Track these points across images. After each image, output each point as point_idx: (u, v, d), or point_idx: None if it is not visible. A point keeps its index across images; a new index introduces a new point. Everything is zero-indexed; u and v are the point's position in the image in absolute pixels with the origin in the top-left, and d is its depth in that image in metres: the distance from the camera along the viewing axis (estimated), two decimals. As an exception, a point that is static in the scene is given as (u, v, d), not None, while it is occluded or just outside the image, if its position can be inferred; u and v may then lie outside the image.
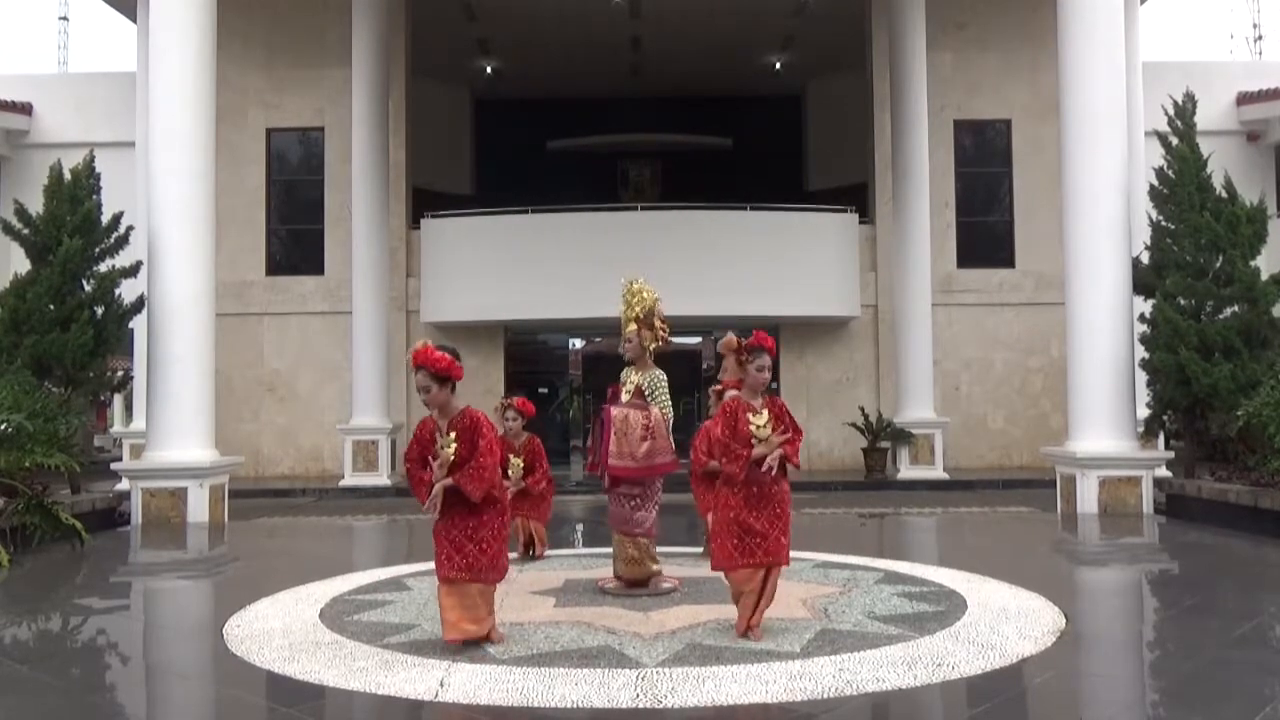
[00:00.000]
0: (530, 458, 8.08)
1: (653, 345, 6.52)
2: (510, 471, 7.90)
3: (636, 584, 6.39)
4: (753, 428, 5.22)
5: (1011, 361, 17.92)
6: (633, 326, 6.50)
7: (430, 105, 19.71)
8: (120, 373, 13.80)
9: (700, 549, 8.00)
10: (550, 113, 21.77)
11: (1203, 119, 12.81)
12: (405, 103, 17.96)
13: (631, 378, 6.53)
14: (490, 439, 5.08)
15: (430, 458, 5.10)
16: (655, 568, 6.47)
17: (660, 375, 6.53)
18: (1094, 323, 11.07)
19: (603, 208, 17.91)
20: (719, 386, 7.74)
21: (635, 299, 6.53)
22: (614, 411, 6.39)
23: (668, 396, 6.52)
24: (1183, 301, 11.48)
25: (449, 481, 4.99)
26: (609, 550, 6.68)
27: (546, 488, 8.21)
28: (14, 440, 9.17)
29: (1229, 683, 4.61)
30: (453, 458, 5.03)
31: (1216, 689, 4.54)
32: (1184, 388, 11.22)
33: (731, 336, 5.37)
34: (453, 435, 5.07)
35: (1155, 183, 12.22)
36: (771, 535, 5.20)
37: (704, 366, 19.09)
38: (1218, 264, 11.45)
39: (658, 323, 6.51)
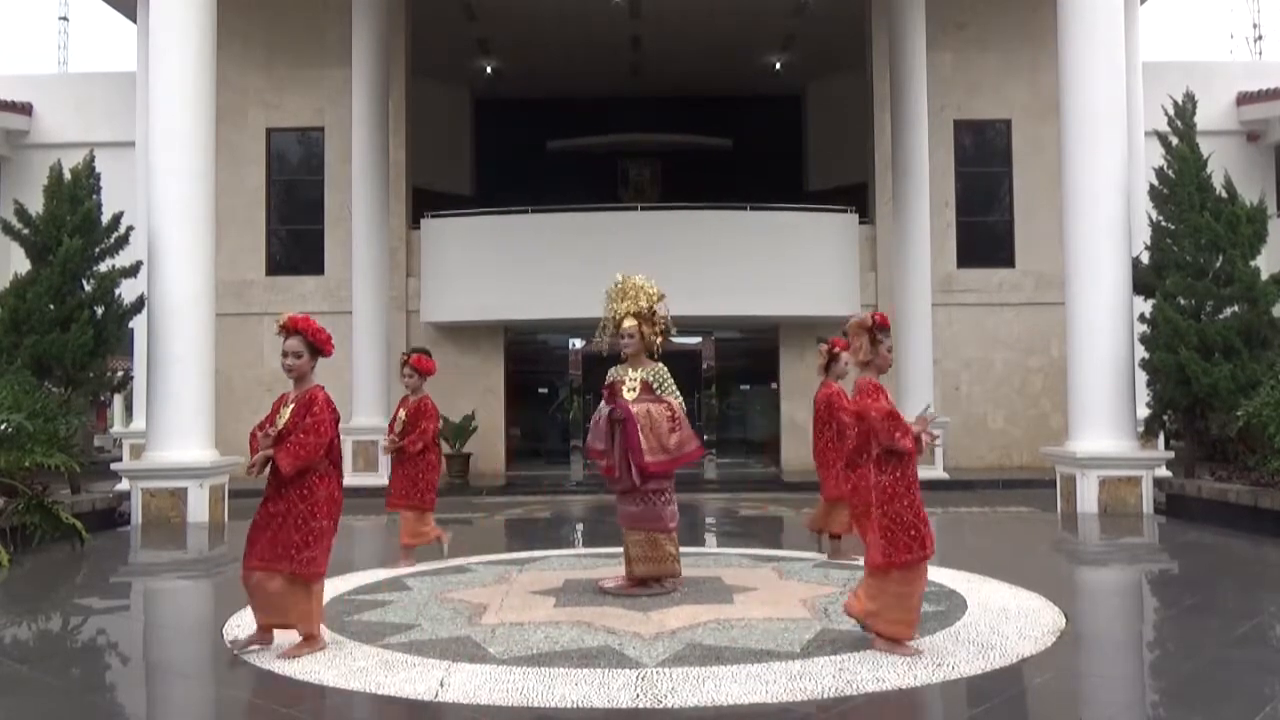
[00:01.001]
0: (415, 415, 7.80)
1: (659, 340, 6.49)
2: (396, 425, 7.87)
3: (644, 583, 6.38)
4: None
5: (1011, 361, 17.91)
6: (632, 322, 6.43)
7: (430, 105, 19.71)
8: (120, 373, 13.80)
9: (821, 553, 7.90)
10: (550, 113, 21.77)
11: (1203, 119, 12.80)
12: (405, 103, 17.96)
13: (631, 374, 6.45)
14: (320, 419, 5.03)
15: (263, 425, 5.13)
16: (678, 565, 6.48)
17: (664, 368, 6.51)
18: (1094, 323, 11.06)
19: (603, 208, 17.90)
20: (832, 347, 7.65)
21: (638, 293, 6.48)
22: (634, 409, 6.26)
23: (675, 387, 6.51)
24: (1183, 301, 11.48)
25: (270, 450, 4.98)
26: (608, 550, 6.68)
27: (426, 456, 7.79)
28: (14, 440, 9.17)
29: (1229, 683, 4.61)
30: (280, 428, 5.04)
31: (1216, 689, 4.54)
32: (1184, 388, 11.22)
33: (865, 314, 5.15)
34: (291, 408, 5.11)
35: (1155, 183, 12.22)
36: (929, 522, 4.99)
37: (704, 366, 19.09)
38: (1218, 264, 11.45)
39: (659, 315, 6.47)
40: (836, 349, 7.68)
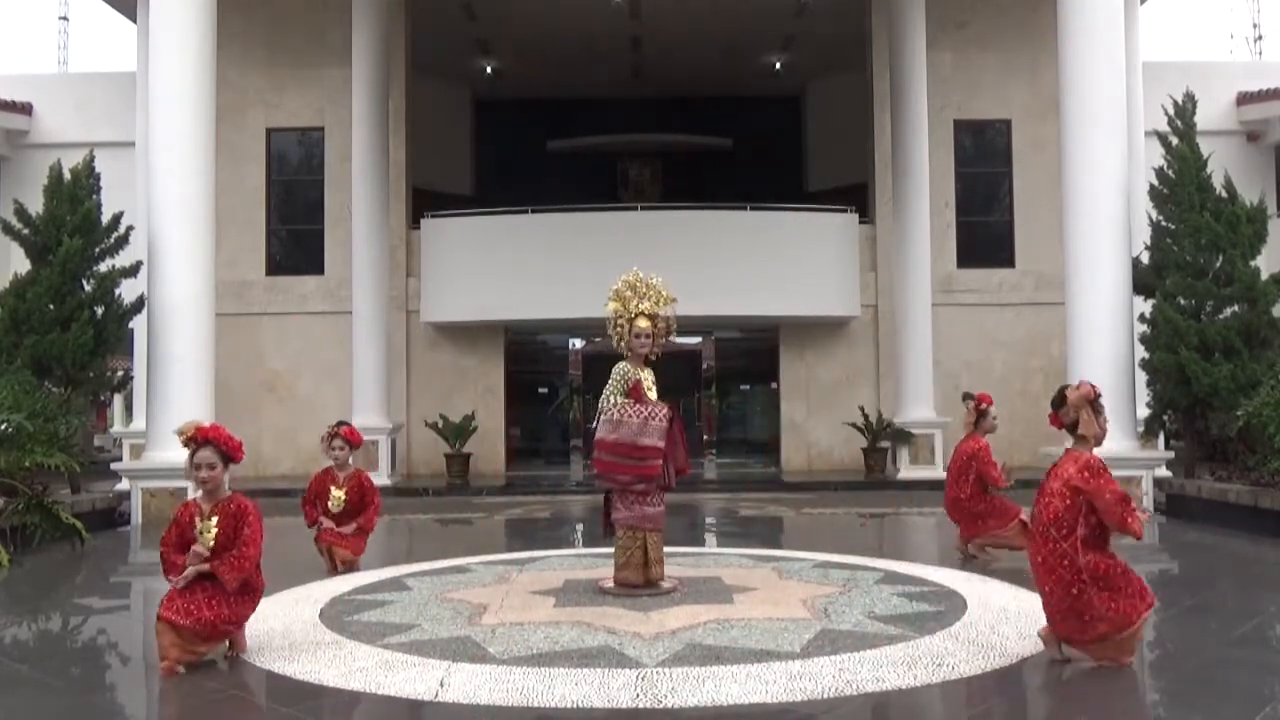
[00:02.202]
0: (358, 494, 7.67)
1: (664, 341, 6.53)
2: (331, 504, 7.64)
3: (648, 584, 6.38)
4: None
5: (1011, 361, 17.90)
6: (647, 322, 6.38)
7: (430, 105, 19.70)
8: (120, 373, 13.81)
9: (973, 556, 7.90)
10: (550, 113, 21.75)
11: (1203, 119, 12.81)
12: (405, 103, 17.96)
13: (645, 374, 6.43)
14: (255, 529, 5.03)
15: (168, 537, 5.01)
16: None
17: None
18: (1094, 323, 11.06)
19: (603, 208, 17.88)
20: (979, 403, 7.99)
21: (657, 296, 6.44)
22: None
23: None
24: (1183, 301, 11.49)
25: (205, 566, 4.90)
26: (608, 550, 6.65)
27: (366, 524, 7.74)
28: (14, 440, 9.18)
29: (1229, 682, 4.61)
30: (212, 543, 4.96)
31: (1216, 689, 4.55)
32: (1184, 388, 11.23)
33: (1088, 385, 4.99)
34: (214, 520, 5.00)
35: (1155, 183, 12.23)
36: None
37: (704, 366, 19.08)
38: (1218, 264, 11.46)
39: (663, 317, 6.49)
40: (984, 404, 7.95)
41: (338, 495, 7.67)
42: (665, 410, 6.32)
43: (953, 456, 8.31)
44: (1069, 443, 4.98)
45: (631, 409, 6.30)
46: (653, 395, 6.40)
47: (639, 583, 6.30)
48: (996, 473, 7.87)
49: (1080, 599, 4.68)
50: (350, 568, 7.57)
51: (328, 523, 7.68)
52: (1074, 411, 4.94)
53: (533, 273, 16.52)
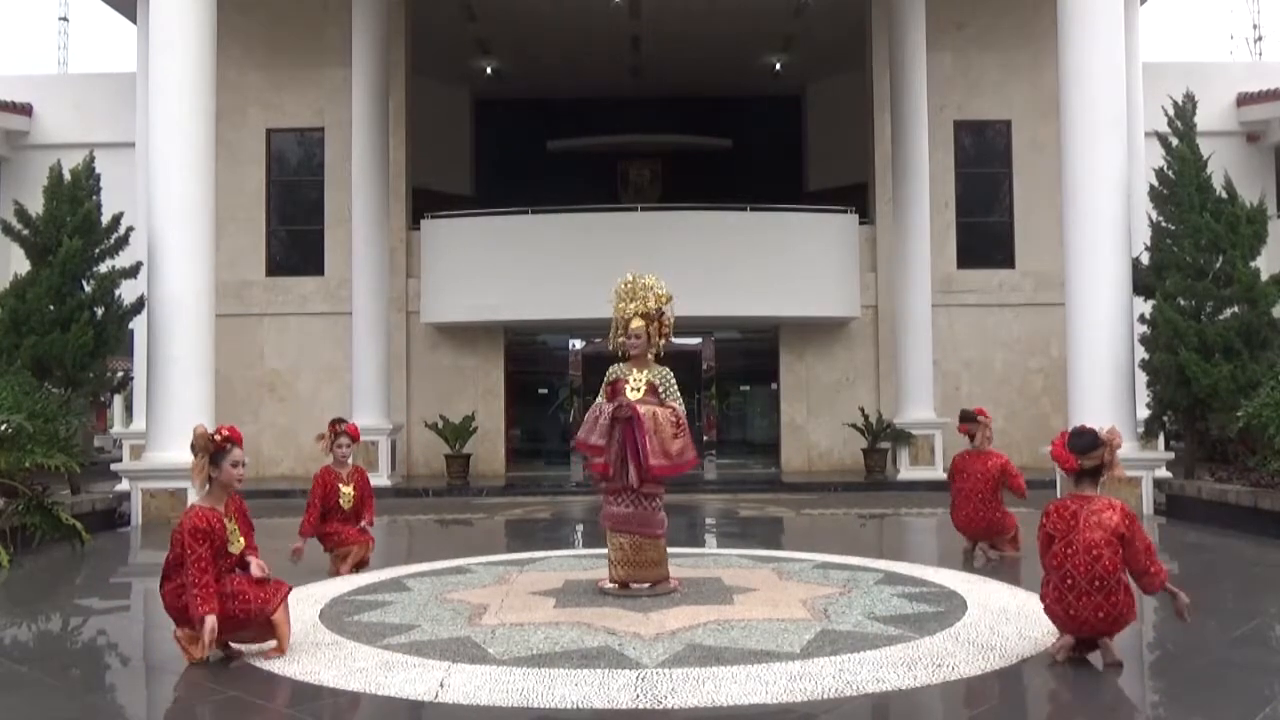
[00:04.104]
0: (362, 490, 7.72)
1: (661, 342, 6.48)
2: (342, 502, 7.62)
3: (638, 584, 6.37)
4: None
5: (1011, 362, 17.91)
6: (640, 323, 6.38)
7: (430, 105, 19.72)
8: (120, 373, 13.81)
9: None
10: (550, 113, 21.78)
11: (1203, 119, 12.80)
12: (405, 103, 17.97)
13: (635, 374, 6.39)
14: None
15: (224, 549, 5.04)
16: (665, 570, 6.46)
17: (669, 372, 6.47)
18: (1094, 323, 11.06)
19: (603, 208, 17.90)
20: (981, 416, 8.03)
21: (647, 294, 6.42)
22: (641, 409, 6.19)
23: (678, 392, 6.46)
24: (1183, 302, 11.48)
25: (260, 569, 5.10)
26: (607, 551, 6.63)
27: (369, 522, 7.81)
28: (14, 441, 9.17)
29: (1229, 683, 4.61)
30: (243, 542, 5.15)
31: (1216, 689, 4.55)
32: (1184, 388, 11.22)
33: (1118, 433, 4.97)
34: (233, 518, 5.15)
35: (1155, 183, 12.22)
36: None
37: (704, 367, 19.09)
38: (1218, 265, 11.45)
39: (666, 317, 6.46)
40: (983, 418, 8.05)
41: (347, 492, 7.68)
42: (610, 409, 6.24)
43: (969, 478, 8.01)
44: (1080, 487, 4.93)
45: (594, 409, 6.38)
46: (634, 395, 6.29)
47: (613, 580, 6.34)
48: (1022, 482, 7.98)
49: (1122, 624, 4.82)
50: (364, 566, 7.58)
51: (358, 511, 7.71)
52: (1110, 454, 4.89)
53: (533, 273, 16.53)
